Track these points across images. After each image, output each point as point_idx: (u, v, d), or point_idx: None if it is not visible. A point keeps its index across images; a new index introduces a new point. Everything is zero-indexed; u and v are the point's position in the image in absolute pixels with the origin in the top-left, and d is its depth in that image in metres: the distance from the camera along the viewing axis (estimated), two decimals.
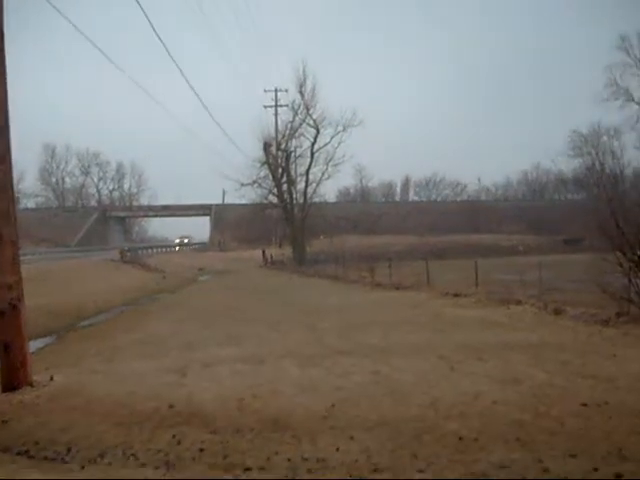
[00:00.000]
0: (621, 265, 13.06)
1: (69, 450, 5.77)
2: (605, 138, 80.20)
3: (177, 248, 69.24)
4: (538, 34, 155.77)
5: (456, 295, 19.04)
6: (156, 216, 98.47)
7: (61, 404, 7.41)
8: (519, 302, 16.18)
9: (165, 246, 76.00)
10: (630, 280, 12.96)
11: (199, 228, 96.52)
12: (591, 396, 6.86)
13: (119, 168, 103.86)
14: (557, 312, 14.16)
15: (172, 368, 9.51)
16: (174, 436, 6.00)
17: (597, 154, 79.62)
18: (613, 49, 72.53)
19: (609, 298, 13.07)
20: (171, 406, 7.05)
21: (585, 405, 6.52)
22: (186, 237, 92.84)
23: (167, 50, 26.28)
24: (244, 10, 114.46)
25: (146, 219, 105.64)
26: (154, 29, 22.49)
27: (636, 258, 12.89)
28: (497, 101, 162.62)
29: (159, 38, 24.78)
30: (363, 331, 12.86)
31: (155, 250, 64.67)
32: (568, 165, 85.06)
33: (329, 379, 8.35)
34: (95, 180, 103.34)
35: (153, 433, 6.16)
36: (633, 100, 72.49)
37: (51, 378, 8.73)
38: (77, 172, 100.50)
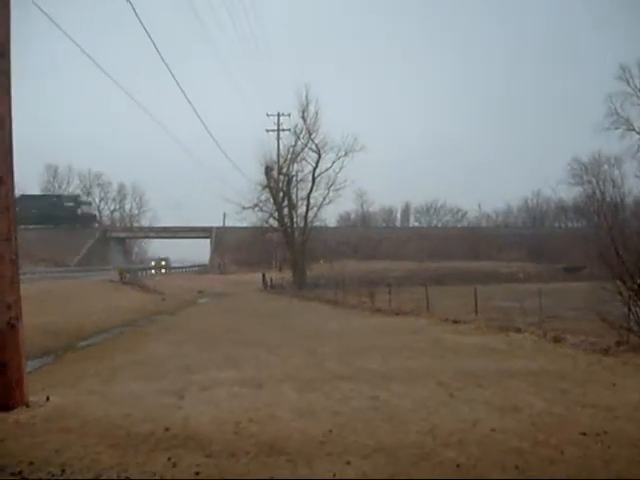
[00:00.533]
0: (621, 294, 13.05)
1: (63, 471, 5.70)
2: (606, 166, 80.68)
3: (153, 271, 67.84)
4: (541, 62, 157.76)
5: (456, 321, 19.01)
6: (156, 237, 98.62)
7: (57, 425, 7.35)
8: (519, 329, 16.15)
9: (165, 268, 75.99)
10: (630, 309, 12.95)
11: (200, 250, 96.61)
12: (590, 425, 6.82)
13: (120, 189, 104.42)
14: (557, 340, 14.13)
15: (170, 390, 9.45)
16: (169, 459, 5.94)
17: (597, 182, 79.97)
18: (614, 78, 73.36)
19: (609, 327, 13.05)
20: (167, 429, 6.99)
21: (584, 434, 6.47)
22: (163, 259, 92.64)
23: (170, 71, 26.38)
24: (248, 33, 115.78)
25: (146, 240, 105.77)
26: (159, 52, 22.57)
27: (636, 287, 12.89)
28: (499, 128, 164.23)
29: (163, 61, 24.96)
30: (362, 356, 12.82)
31: (155, 271, 64.59)
32: (568, 193, 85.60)
33: (327, 404, 8.30)
34: (96, 201, 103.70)
35: (148, 456, 6.10)
36: (633, 129, 73.14)
37: (47, 398, 8.66)
38: (79, 192, 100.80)
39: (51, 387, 9.85)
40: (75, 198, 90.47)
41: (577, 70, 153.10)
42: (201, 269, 79.59)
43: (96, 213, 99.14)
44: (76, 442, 6.56)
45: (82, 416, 7.74)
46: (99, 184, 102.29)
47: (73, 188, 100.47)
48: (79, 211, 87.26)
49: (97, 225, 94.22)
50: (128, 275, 46.33)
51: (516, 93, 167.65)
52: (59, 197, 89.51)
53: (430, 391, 9.03)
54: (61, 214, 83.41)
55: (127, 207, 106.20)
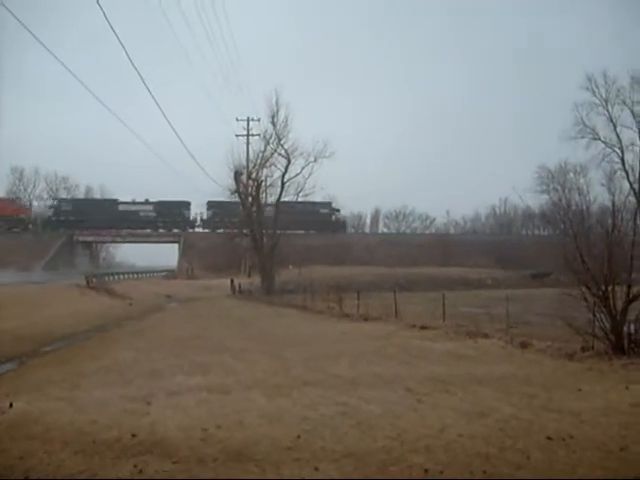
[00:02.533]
0: (586, 300, 13.21)
1: (26, 479, 5.62)
2: (572, 175, 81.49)
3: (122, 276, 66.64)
4: (508, 70, 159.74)
5: (424, 327, 19.07)
6: (124, 242, 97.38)
7: (20, 431, 7.24)
8: (486, 335, 16.28)
9: (132, 272, 75.06)
10: (594, 315, 13.10)
11: (168, 255, 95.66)
12: (556, 430, 6.89)
13: (88, 192, 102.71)
14: (523, 346, 14.26)
15: (136, 396, 9.36)
16: (135, 466, 5.88)
17: (564, 190, 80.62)
18: (581, 88, 74.42)
19: (574, 332, 13.20)
20: (134, 435, 6.92)
21: (550, 439, 6.54)
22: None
23: (137, 70, 26.32)
24: (219, 37, 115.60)
25: (114, 245, 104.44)
26: (130, 59, 22.48)
27: (600, 293, 13.05)
28: (467, 136, 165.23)
29: (133, 64, 24.83)
30: (331, 362, 12.81)
31: (122, 276, 63.86)
32: (535, 201, 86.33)
33: (295, 410, 8.28)
34: None
35: (114, 462, 6.03)
36: (599, 139, 74.20)
37: (10, 405, 8.54)
38: (45, 195, 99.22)
39: (15, 393, 9.71)
40: None
41: (546, 79, 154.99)
42: (169, 274, 78.72)
43: None
44: (40, 449, 6.47)
45: (47, 422, 7.64)
46: (66, 187, 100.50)
47: (39, 191, 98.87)
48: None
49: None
50: (95, 280, 45.76)
51: (486, 101, 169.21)
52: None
53: (398, 397, 9.06)
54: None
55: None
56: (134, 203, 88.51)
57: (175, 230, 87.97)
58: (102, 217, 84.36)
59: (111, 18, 18.51)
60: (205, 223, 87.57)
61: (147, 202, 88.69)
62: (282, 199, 53.35)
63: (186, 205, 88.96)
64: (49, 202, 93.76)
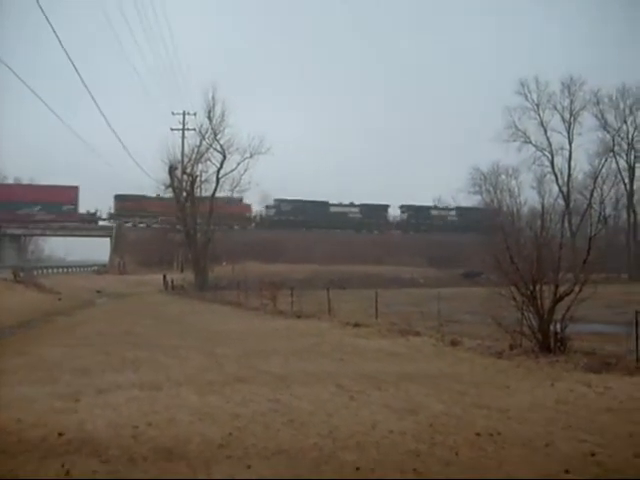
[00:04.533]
0: (515, 299, 13.51)
1: None
2: (504, 177, 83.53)
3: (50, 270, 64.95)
4: (444, 70, 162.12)
5: (357, 325, 19.20)
6: (54, 235, 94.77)
7: None
8: (418, 333, 16.51)
9: (62, 266, 73.23)
10: (523, 314, 13.42)
11: (100, 249, 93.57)
12: (485, 426, 7.02)
13: (17, 181, 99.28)
14: (454, 344, 14.51)
15: (64, 394, 9.09)
16: (63, 465, 5.70)
17: (495, 192, 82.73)
18: (514, 93, 76.39)
19: (503, 331, 13.50)
20: (61, 434, 6.72)
21: (479, 435, 6.65)
22: None
23: (71, 61, 25.76)
24: (157, 33, 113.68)
25: (43, 238, 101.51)
26: (65, 51, 21.91)
27: (529, 293, 13.37)
28: (403, 135, 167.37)
29: (70, 60, 24.16)
30: (263, 359, 12.76)
31: (51, 270, 62.26)
32: (468, 201, 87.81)
33: (227, 407, 8.21)
34: None
35: (41, 462, 5.83)
36: (530, 142, 76.25)
37: None
38: None
39: None
40: None
41: (481, 81, 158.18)
42: (100, 269, 77.16)
43: None
44: None
45: None
46: None
47: None
48: None
49: None
50: (22, 274, 44.42)
51: (422, 101, 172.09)
52: None
53: (330, 394, 9.07)
54: None
55: None
56: (342, 205, 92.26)
57: (375, 232, 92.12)
58: (316, 218, 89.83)
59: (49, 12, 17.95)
60: None
61: (352, 205, 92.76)
62: (216, 194, 53.00)
63: (385, 208, 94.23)
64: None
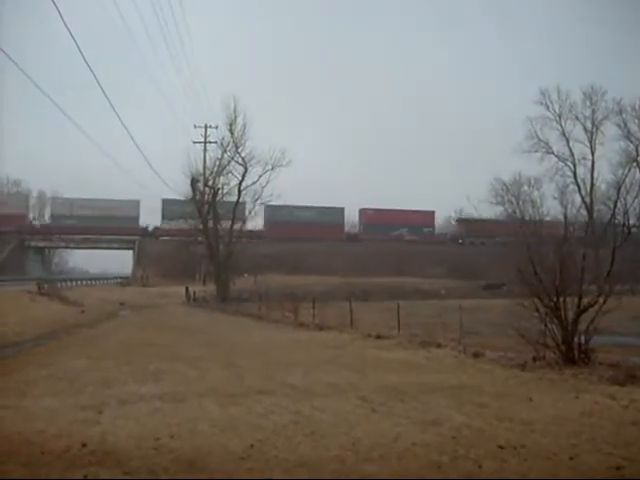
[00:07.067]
0: (538, 311, 13.41)
1: None
2: (526, 187, 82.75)
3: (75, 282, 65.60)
4: (465, 80, 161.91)
5: (379, 337, 19.14)
6: (77, 248, 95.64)
7: None
8: (439, 345, 16.40)
9: (85, 279, 73.77)
10: (546, 325, 13.31)
11: (123, 262, 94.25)
12: (508, 438, 6.96)
13: (41, 196, 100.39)
14: (476, 355, 14.41)
15: (87, 405, 9.15)
16: (85, 476, 5.73)
17: (518, 202, 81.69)
18: (534, 103, 75.80)
19: (526, 343, 13.38)
20: (84, 445, 6.76)
21: (502, 447, 6.59)
22: None
23: (95, 76, 26.04)
24: (177, 44, 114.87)
25: (67, 250, 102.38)
26: (90, 69, 22.19)
27: (552, 304, 13.27)
28: (424, 147, 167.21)
29: (91, 70, 24.41)
30: (285, 371, 12.75)
31: (75, 283, 62.71)
32: (490, 212, 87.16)
33: (249, 419, 8.21)
34: None
35: (63, 473, 5.87)
36: (552, 153, 75.58)
37: None
38: None
39: None
40: None
41: (502, 91, 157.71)
42: (123, 281, 77.64)
43: None
44: None
45: None
46: (18, 191, 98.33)
47: None
48: None
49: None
50: (46, 286, 44.81)
51: (444, 110, 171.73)
52: None
53: (352, 406, 9.05)
54: None
55: (47, 216, 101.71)
56: None
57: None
58: None
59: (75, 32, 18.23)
60: None
61: None
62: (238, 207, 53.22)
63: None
64: None
